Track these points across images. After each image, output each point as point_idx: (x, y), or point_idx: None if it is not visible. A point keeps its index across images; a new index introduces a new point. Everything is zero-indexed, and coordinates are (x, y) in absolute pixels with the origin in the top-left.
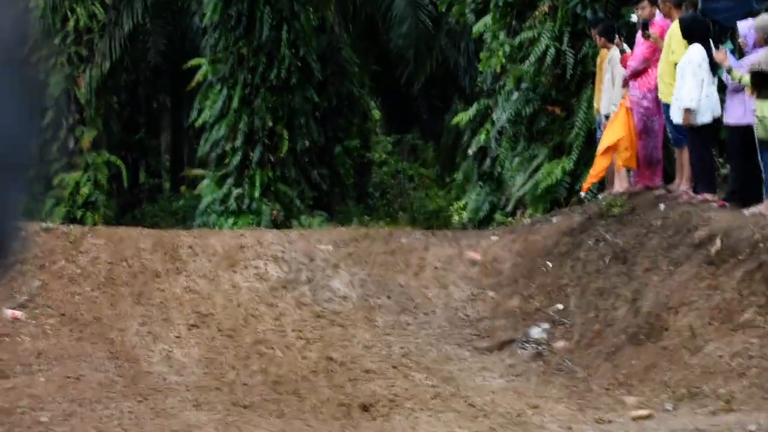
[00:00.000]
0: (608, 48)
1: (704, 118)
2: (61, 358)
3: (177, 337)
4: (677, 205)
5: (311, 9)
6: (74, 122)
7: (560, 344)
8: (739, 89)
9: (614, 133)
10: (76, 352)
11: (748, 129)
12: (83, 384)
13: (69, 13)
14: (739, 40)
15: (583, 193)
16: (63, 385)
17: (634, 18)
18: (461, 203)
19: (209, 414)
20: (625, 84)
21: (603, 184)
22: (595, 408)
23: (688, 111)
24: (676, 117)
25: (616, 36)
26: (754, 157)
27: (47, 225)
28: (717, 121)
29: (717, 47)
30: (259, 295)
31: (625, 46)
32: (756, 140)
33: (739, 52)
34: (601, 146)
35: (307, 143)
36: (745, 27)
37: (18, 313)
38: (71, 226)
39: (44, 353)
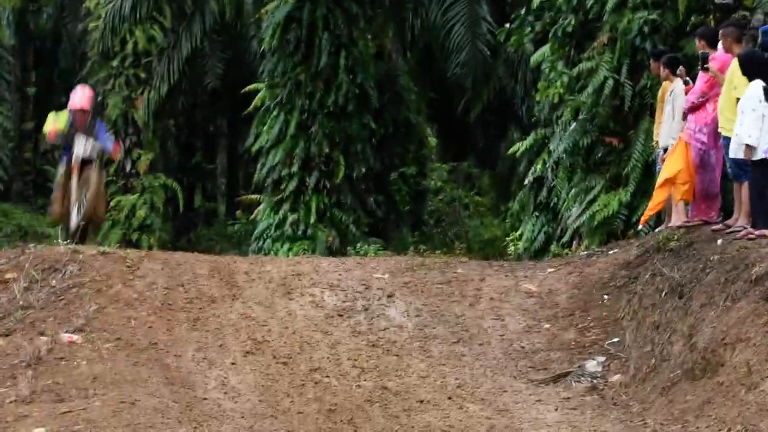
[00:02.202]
0: (671, 80)
1: (764, 153)
2: (116, 382)
3: (232, 363)
4: (735, 240)
5: (369, 36)
6: (131, 144)
7: (616, 378)
8: None
9: (672, 166)
10: (132, 377)
11: None
12: (138, 409)
13: (128, 36)
14: None
15: (640, 226)
16: (118, 410)
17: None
18: (517, 233)
19: None
20: (685, 117)
21: (660, 217)
22: None
23: (748, 147)
24: (736, 152)
25: (680, 67)
26: None
27: (104, 249)
28: None
29: None
30: (314, 322)
31: (687, 78)
32: None
33: None
34: (660, 179)
35: (363, 170)
36: None
37: (75, 337)
38: (128, 251)
39: (100, 377)
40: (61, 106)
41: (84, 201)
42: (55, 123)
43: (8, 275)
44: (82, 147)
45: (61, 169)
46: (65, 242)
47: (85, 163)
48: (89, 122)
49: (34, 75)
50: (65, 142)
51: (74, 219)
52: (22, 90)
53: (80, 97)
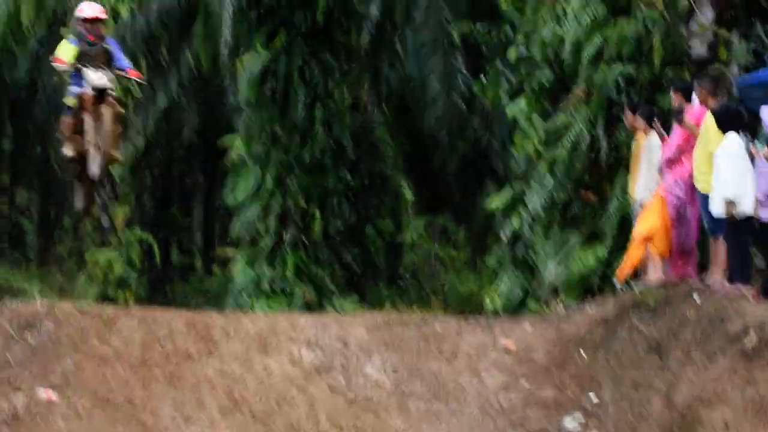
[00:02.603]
0: (646, 133)
1: (745, 209)
2: None
3: (210, 421)
4: (711, 296)
5: (345, 88)
6: (107, 199)
7: None
8: None
9: (649, 221)
10: None
11: None
12: None
13: None
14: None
15: (618, 283)
16: None
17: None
18: (494, 288)
19: None
20: (661, 171)
21: (637, 272)
22: None
23: (730, 202)
24: (716, 208)
25: (655, 120)
26: None
27: (81, 305)
28: None
29: (754, 137)
30: (292, 379)
31: (663, 131)
32: None
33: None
34: (637, 235)
35: (339, 224)
36: None
37: (51, 394)
38: (105, 307)
39: None
40: (37, 158)
41: (101, 143)
42: (65, 49)
43: None
44: (95, 74)
45: (70, 101)
46: (78, 205)
47: (99, 94)
48: (103, 40)
49: (9, 127)
50: (74, 69)
51: (93, 167)
52: None
53: (91, 6)
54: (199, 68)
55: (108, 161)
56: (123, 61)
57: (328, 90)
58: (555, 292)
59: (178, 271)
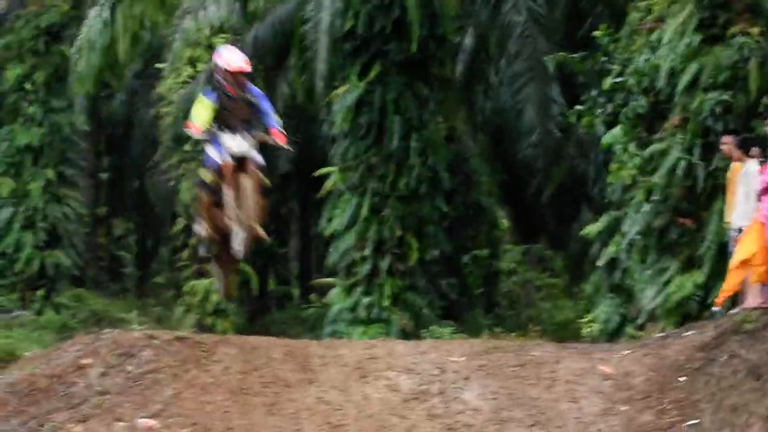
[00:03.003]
0: (742, 160)
1: None
2: None
3: None
4: None
5: (440, 118)
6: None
7: None
8: None
9: (748, 247)
10: None
11: None
12: None
13: None
14: None
15: (716, 308)
16: None
17: None
18: (591, 315)
19: None
20: (759, 198)
21: (736, 299)
22: None
23: None
24: None
25: (753, 148)
26: None
27: (180, 334)
28: None
29: None
30: (390, 406)
31: (762, 158)
32: None
33: None
34: (734, 260)
35: (435, 252)
36: None
37: (152, 422)
38: (203, 335)
39: None
40: (132, 193)
41: (244, 219)
42: (202, 110)
43: (84, 361)
44: (234, 140)
45: (205, 175)
46: (221, 291)
47: (239, 161)
48: (247, 94)
49: (107, 160)
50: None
51: (236, 246)
52: (95, 175)
53: (235, 55)
54: (294, 99)
55: (253, 239)
56: (271, 117)
57: (422, 120)
58: (653, 318)
59: (275, 300)
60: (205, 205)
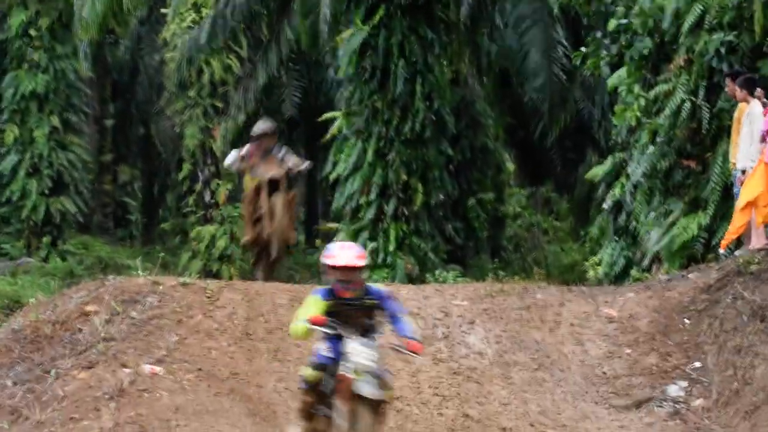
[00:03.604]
0: (747, 101)
1: None
2: (198, 413)
3: None
4: None
5: (445, 62)
6: (210, 175)
7: (698, 402)
8: None
9: (753, 188)
10: (214, 408)
11: None
12: None
13: (204, 66)
14: None
15: (721, 250)
16: None
17: None
18: (596, 258)
19: None
20: (763, 139)
21: (740, 240)
22: None
23: None
24: None
25: (757, 89)
26: None
27: (185, 279)
28: None
29: None
30: None
31: (765, 100)
32: None
33: None
34: (740, 202)
35: (441, 196)
36: None
37: (156, 369)
38: (208, 281)
39: (182, 408)
40: (137, 139)
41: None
42: (309, 308)
43: (89, 308)
44: (358, 348)
45: (311, 375)
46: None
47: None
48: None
49: (112, 107)
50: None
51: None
52: (100, 122)
53: (346, 251)
54: (298, 44)
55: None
56: (403, 323)
57: (428, 64)
58: (658, 260)
59: None
60: (307, 407)
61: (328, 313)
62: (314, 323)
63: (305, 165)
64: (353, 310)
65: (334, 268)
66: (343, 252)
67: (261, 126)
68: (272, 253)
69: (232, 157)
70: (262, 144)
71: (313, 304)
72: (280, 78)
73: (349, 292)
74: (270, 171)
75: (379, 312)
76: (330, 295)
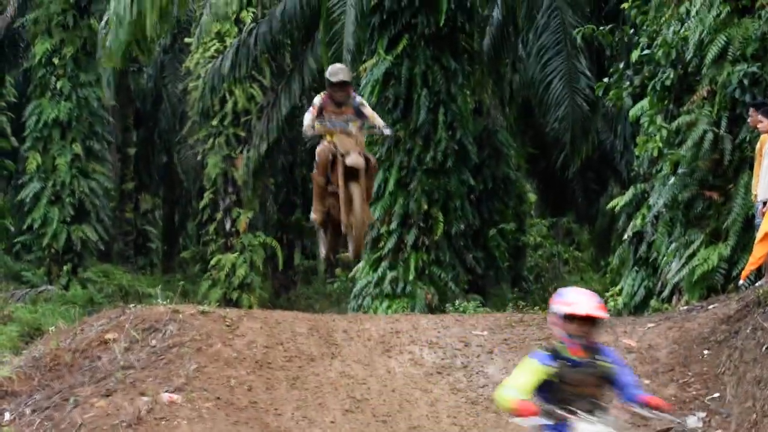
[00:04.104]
0: None
1: None
2: None
3: (332, 422)
4: None
5: (468, 92)
6: (231, 203)
7: None
8: None
9: None
10: None
11: None
12: None
13: (227, 95)
14: None
15: (741, 281)
16: None
17: None
18: (617, 288)
19: None
20: None
21: (761, 272)
22: None
23: None
24: None
25: None
26: None
27: (205, 308)
28: None
29: None
30: (414, 380)
31: None
32: None
33: None
34: (760, 233)
35: (462, 226)
36: None
37: (175, 397)
38: (228, 310)
39: None
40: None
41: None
42: (523, 375)
43: (109, 335)
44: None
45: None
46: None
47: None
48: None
49: (135, 135)
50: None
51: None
52: (123, 150)
53: (583, 296)
54: (321, 72)
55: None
56: (632, 386)
57: (450, 94)
58: (678, 291)
59: (300, 275)
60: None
61: (548, 383)
62: (522, 413)
63: (389, 131)
64: (584, 377)
65: (570, 318)
66: (582, 299)
67: (338, 70)
68: (350, 254)
69: (308, 119)
70: (338, 94)
71: (528, 371)
72: (303, 106)
73: (581, 352)
74: (349, 142)
75: (609, 382)
76: (554, 358)
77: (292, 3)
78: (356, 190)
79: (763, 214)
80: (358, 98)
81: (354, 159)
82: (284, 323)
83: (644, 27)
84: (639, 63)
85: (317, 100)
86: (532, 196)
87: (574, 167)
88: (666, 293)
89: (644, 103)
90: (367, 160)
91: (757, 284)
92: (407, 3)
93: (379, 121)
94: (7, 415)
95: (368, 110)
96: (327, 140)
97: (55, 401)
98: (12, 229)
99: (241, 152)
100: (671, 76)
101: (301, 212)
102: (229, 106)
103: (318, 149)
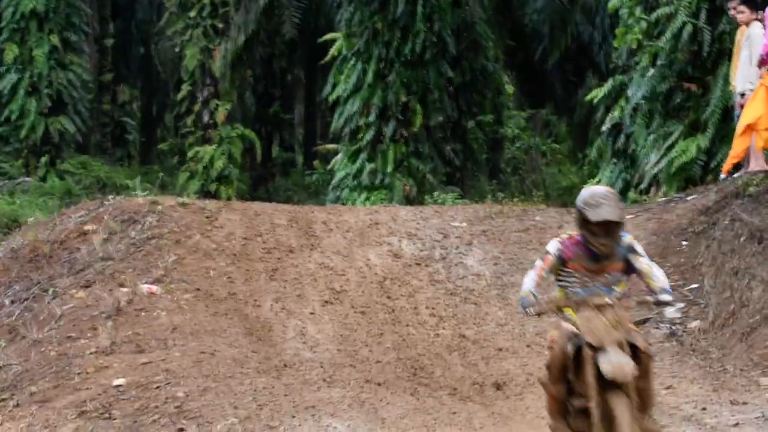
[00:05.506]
0: (748, 24)
1: None
2: (196, 333)
3: (311, 313)
4: None
5: None
6: (209, 96)
7: (694, 324)
8: None
9: (753, 112)
10: (211, 327)
11: None
12: (218, 359)
13: None
14: None
15: (723, 176)
16: (198, 360)
17: None
18: (595, 180)
19: (343, 390)
20: (762, 62)
21: (740, 164)
22: (729, 389)
23: None
24: None
25: (759, 11)
26: None
27: (183, 200)
28: None
29: None
30: (392, 272)
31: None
32: None
33: None
34: (740, 126)
35: (440, 118)
36: None
37: (154, 288)
38: (207, 201)
39: (179, 328)
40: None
41: None
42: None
43: (87, 227)
44: None
45: None
46: None
47: None
48: None
49: (112, 26)
50: None
51: None
52: (100, 42)
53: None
54: None
55: None
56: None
57: None
58: (656, 182)
59: (279, 167)
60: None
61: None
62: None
63: (670, 298)
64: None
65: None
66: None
67: (602, 199)
68: None
69: (529, 282)
70: (599, 241)
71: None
72: None
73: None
74: (603, 325)
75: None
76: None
77: None
78: (620, 405)
79: (742, 106)
80: (627, 237)
81: (614, 368)
82: (263, 215)
83: None
84: None
85: (553, 247)
86: (510, 88)
87: (553, 59)
88: (644, 185)
89: None
90: (636, 354)
91: (735, 175)
92: None
93: (659, 281)
94: None
95: (643, 260)
96: (563, 320)
97: (34, 292)
98: None
99: (219, 44)
100: None
101: (279, 105)
102: None
103: (549, 339)
